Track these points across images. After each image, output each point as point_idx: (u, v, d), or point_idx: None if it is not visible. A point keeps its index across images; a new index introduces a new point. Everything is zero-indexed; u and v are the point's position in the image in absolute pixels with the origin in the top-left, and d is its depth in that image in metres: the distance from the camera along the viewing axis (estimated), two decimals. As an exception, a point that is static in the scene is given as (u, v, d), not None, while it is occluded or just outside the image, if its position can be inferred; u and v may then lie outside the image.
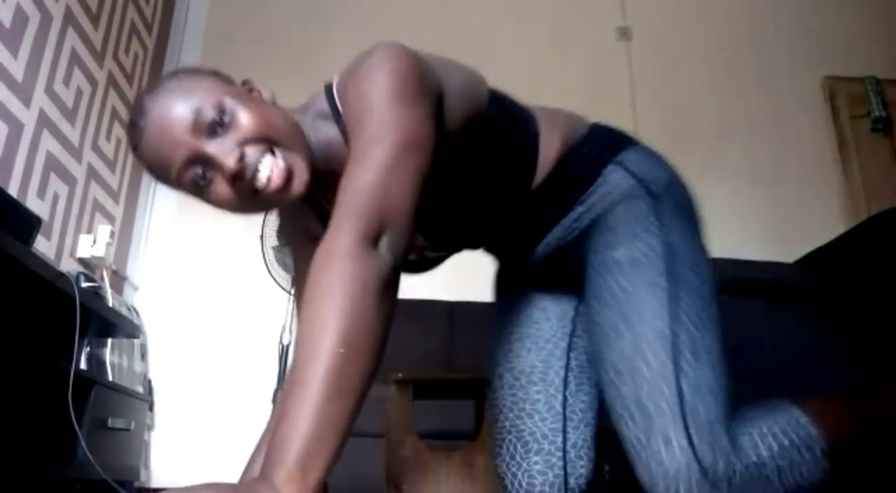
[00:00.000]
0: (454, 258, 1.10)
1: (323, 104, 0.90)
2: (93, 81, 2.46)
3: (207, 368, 2.76)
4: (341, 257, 0.65)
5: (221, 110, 0.80)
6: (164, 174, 0.83)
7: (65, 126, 2.27)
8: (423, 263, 1.06)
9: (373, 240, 0.68)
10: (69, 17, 2.26)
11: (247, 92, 0.87)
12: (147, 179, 2.99)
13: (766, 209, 3.23)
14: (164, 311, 2.83)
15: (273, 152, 0.81)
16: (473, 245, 1.09)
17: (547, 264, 1.08)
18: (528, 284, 1.14)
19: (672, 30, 3.54)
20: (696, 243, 0.96)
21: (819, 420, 0.83)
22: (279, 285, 2.58)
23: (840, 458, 0.82)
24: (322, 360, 0.60)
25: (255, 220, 2.54)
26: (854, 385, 1.60)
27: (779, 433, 0.81)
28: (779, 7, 3.65)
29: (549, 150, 0.98)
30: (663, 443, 0.79)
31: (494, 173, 0.95)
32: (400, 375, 1.56)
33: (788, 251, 2.44)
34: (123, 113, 2.73)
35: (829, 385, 1.57)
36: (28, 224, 1.72)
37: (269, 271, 2.55)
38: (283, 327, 2.55)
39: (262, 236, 2.55)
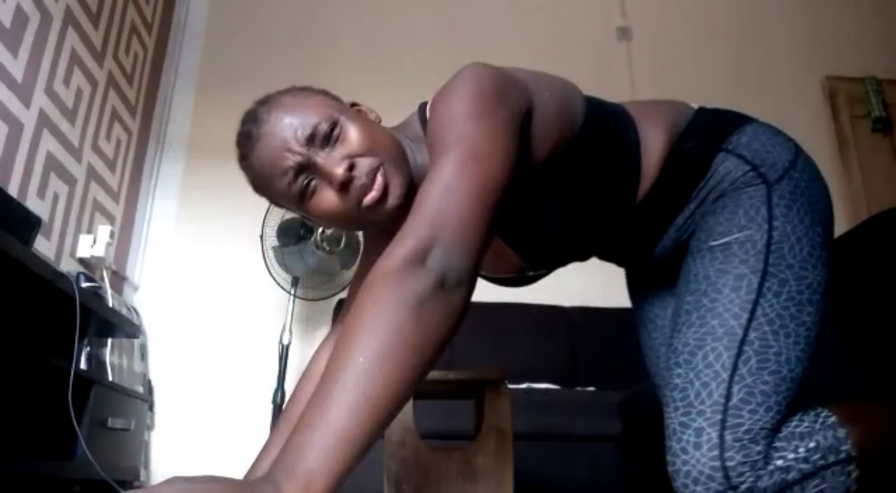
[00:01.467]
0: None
1: (416, 127, 0.92)
2: (93, 81, 2.46)
3: (207, 368, 2.77)
4: (384, 276, 0.64)
5: (333, 124, 0.84)
6: (272, 183, 0.86)
7: (65, 126, 2.27)
8: (524, 279, 1.05)
9: (422, 256, 0.65)
10: (69, 17, 2.26)
11: (355, 111, 0.91)
12: (147, 179, 2.99)
13: (766, 209, 3.23)
14: (164, 311, 2.83)
15: (377, 166, 0.84)
16: (577, 259, 1.05)
17: (669, 264, 1.02)
18: (656, 283, 1.09)
19: (672, 30, 3.54)
20: (812, 239, 0.86)
21: (848, 422, 0.79)
22: (279, 285, 2.58)
23: (870, 465, 0.78)
24: (343, 372, 0.59)
25: (255, 220, 2.54)
26: (853, 386, 1.60)
27: (806, 435, 0.78)
28: (779, 7, 3.65)
29: (651, 154, 0.92)
30: (694, 437, 0.77)
31: (593, 192, 0.91)
32: (400, 375, 1.56)
33: (788, 251, 2.44)
34: (123, 113, 2.73)
35: (827, 386, 1.57)
36: (28, 224, 1.72)
37: (269, 271, 2.55)
38: (283, 327, 2.55)
39: (262, 236, 2.55)
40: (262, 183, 0.88)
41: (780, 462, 0.76)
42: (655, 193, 0.92)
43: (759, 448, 0.76)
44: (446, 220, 0.68)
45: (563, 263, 1.03)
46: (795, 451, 0.76)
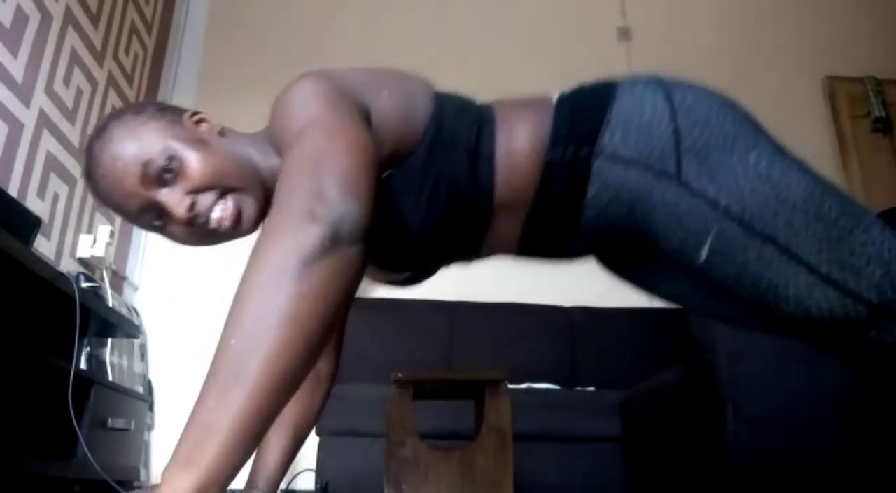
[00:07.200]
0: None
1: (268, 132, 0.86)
2: (93, 81, 2.46)
3: (207, 368, 2.76)
4: (264, 238, 0.60)
5: (170, 157, 0.79)
6: (123, 216, 0.85)
7: (65, 126, 2.27)
8: (404, 279, 0.97)
9: (306, 214, 0.59)
10: (69, 17, 2.26)
11: (195, 128, 0.84)
12: (147, 179, 2.99)
13: (766, 209, 3.23)
14: (164, 311, 2.83)
15: (224, 195, 0.81)
16: (446, 261, 0.96)
17: (601, 246, 0.93)
18: (634, 268, 0.99)
19: (672, 30, 3.54)
20: (758, 163, 0.78)
21: None
22: (279, 285, 2.58)
23: None
24: (215, 354, 0.58)
25: (255, 220, 2.54)
26: (853, 385, 1.60)
27: None
28: (779, 7, 3.65)
29: (515, 163, 0.83)
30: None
31: (434, 202, 0.82)
32: (400, 375, 1.56)
33: (788, 251, 2.44)
34: (123, 113, 2.73)
35: (828, 385, 1.57)
36: (28, 224, 1.72)
37: (269, 271, 2.55)
38: (283, 327, 2.55)
39: (262, 236, 2.55)
40: (116, 213, 0.85)
41: None
42: (537, 210, 0.84)
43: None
44: (330, 171, 0.62)
45: (427, 267, 0.95)
46: None
